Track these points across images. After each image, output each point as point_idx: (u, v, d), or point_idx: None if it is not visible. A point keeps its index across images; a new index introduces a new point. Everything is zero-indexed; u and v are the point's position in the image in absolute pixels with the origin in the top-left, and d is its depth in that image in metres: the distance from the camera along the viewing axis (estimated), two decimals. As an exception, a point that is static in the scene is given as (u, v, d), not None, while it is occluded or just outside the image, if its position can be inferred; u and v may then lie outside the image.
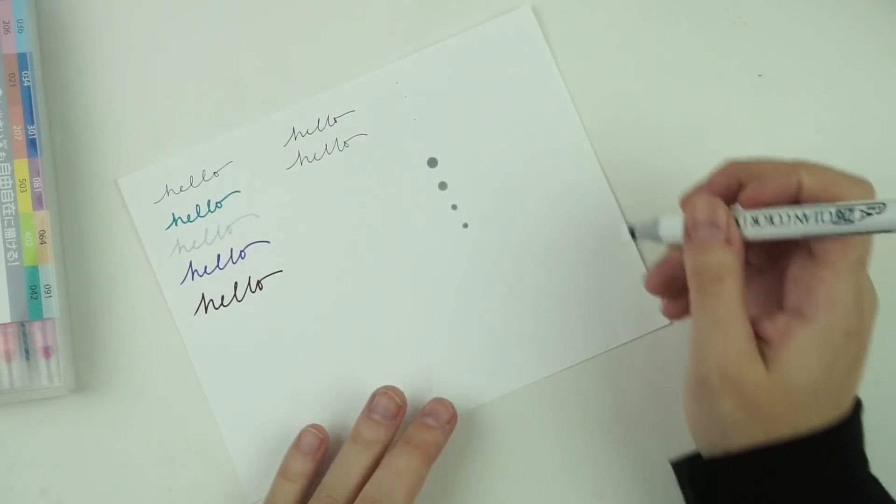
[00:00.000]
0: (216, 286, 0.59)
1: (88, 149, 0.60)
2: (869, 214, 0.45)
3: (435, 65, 0.60)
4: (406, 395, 0.57)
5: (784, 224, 0.47)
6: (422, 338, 0.58)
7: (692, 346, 0.48)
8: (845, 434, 0.47)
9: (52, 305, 0.56)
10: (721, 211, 0.48)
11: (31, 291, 0.56)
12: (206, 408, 0.58)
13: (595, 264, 0.58)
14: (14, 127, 0.57)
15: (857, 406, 0.49)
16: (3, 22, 0.58)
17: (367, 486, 0.53)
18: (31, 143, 0.57)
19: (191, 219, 0.59)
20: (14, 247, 0.56)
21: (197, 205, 0.59)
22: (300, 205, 0.59)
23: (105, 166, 0.60)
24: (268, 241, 0.59)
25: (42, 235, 0.56)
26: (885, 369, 0.57)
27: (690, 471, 0.50)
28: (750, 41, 0.60)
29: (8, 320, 0.56)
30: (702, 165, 0.58)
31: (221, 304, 0.59)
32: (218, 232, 0.59)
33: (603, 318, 0.58)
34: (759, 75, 0.60)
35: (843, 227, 0.46)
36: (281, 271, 0.59)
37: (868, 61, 0.60)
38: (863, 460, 0.48)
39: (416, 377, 0.58)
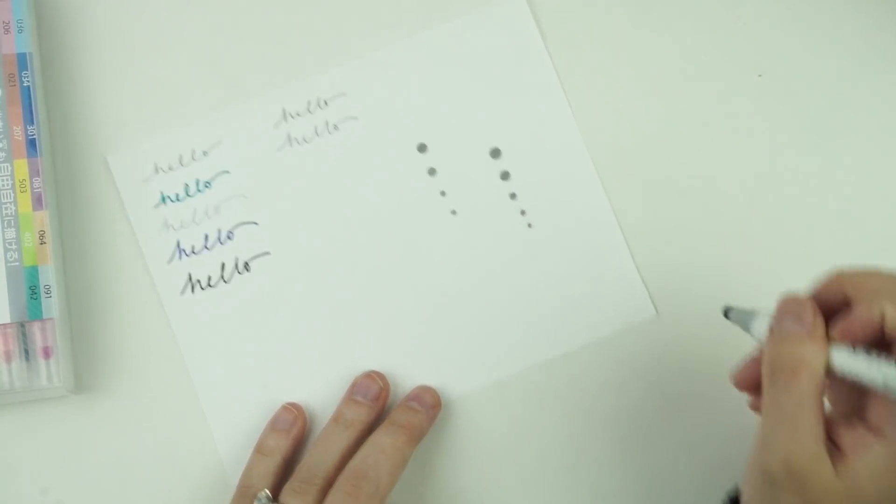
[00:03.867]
0: (203, 266, 0.59)
1: (88, 146, 0.60)
2: None
3: (427, 50, 0.60)
4: (391, 380, 0.57)
5: (860, 372, 0.45)
6: (408, 323, 0.58)
7: (758, 434, 0.46)
8: None
9: (52, 306, 0.56)
10: (808, 309, 0.46)
11: (31, 292, 0.56)
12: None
13: (583, 253, 0.58)
14: (14, 127, 0.57)
15: None
16: (3, 22, 0.58)
17: (352, 461, 0.54)
18: (31, 144, 0.57)
19: (179, 198, 0.59)
20: (14, 247, 0.56)
21: (186, 184, 0.59)
22: (289, 187, 0.59)
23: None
24: (256, 223, 0.59)
25: (42, 236, 0.56)
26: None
27: None
28: (750, 41, 0.60)
29: (7, 321, 0.56)
30: (698, 165, 0.58)
31: (208, 284, 0.59)
32: (206, 212, 0.59)
33: (589, 307, 0.58)
34: (759, 75, 0.60)
35: None
36: (268, 253, 0.59)
37: (868, 62, 0.60)
38: None
39: (402, 363, 0.58)
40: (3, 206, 0.57)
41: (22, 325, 0.56)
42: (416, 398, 0.56)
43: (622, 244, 0.58)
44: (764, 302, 0.54)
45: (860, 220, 0.58)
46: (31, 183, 0.57)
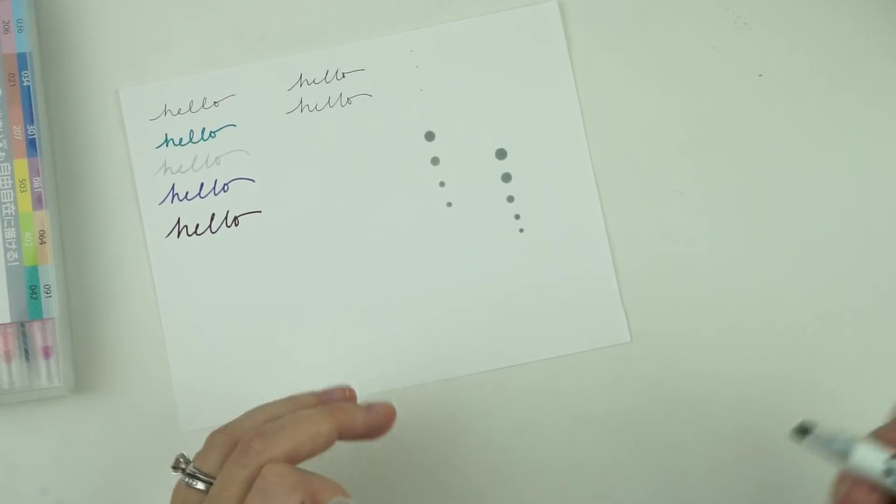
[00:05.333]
0: (193, 213, 0.59)
1: (90, 142, 0.60)
2: None
3: (452, 41, 0.60)
4: (354, 353, 0.58)
5: None
6: (383, 305, 0.58)
7: None
8: None
9: (52, 305, 0.56)
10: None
11: (31, 291, 0.56)
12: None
13: (568, 269, 0.58)
14: (14, 127, 0.57)
15: None
16: (3, 22, 0.58)
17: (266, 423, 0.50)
18: (31, 143, 0.57)
19: (182, 143, 0.60)
20: (14, 247, 0.56)
21: (191, 130, 0.60)
22: (291, 151, 0.60)
23: (107, 162, 0.60)
24: (252, 180, 0.59)
25: (42, 235, 0.56)
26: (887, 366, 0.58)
27: None
28: (750, 41, 0.60)
29: (8, 320, 0.56)
30: (698, 166, 0.58)
31: (195, 231, 0.59)
32: (206, 161, 0.60)
33: (565, 323, 0.58)
34: (760, 75, 0.60)
35: None
36: (259, 212, 0.59)
37: (868, 62, 0.60)
38: None
39: (370, 341, 0.58)
40: (3, 206, 0.57)
41: (22, 324, 0.56)
42: (366, 404, 0.52)
43: (609, 267, 0.58)
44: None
45: (861, 221, 0.58)
46: (31, 183, 0.57)
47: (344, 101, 0.60)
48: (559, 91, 0.60)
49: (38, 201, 0.57)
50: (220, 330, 0.58)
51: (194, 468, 0.50)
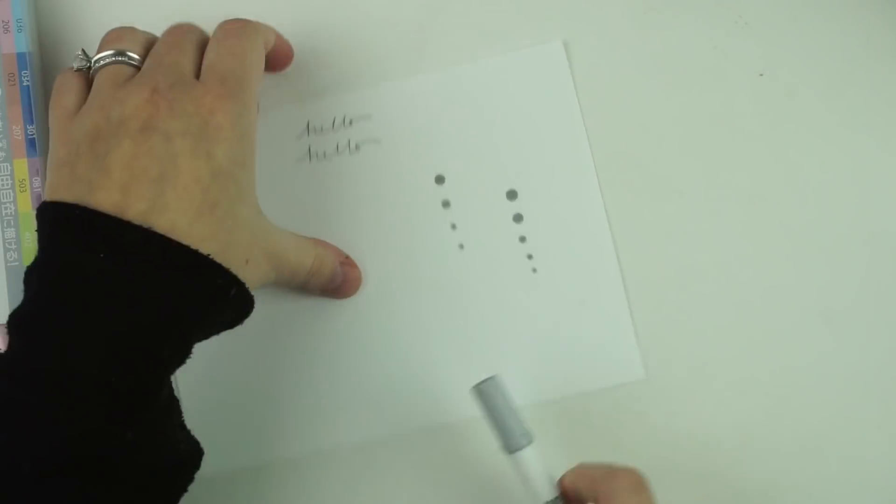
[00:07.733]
0: None
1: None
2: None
3: (459, 85, 0.60)
4: (381, 389, 0.58)
5: None
6: (401, 345, 0.58)
7: None
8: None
9: (52, 306, 0.56)
10: None
11: (31, 292, 0.56)
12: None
13: (583, 307, 0.58)
14: (14, 127, 0.57)
15: None
16: (3, 22, 0.58)
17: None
18: (31, 143, 0.57)
19: None
20: (14, 247, 0.56)
21: None
22: (302, 199, 0.59)
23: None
24: None
25: (42, 235, 0.56)
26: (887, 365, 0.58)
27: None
28: (750, 41, 0.60)
29: (8, 321, 0.56)
30: (698, 169, 0.58)
31: None
32: None
33: (580, 360, 0.58)
34: (760, 75, 0.60)
35: None
36: None
37: (868, 62, 0.60)
38: None
39: (388, 383, 0.58)
40: (3, 205, 0.57)
41: (22, 325, 0.56)
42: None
43: (623, 304, 0.58)
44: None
45: (861, 220, 0.58)
46: (31, 183, 0.57)
47: (352, 148, 0.60)
48: (568, 129, 0.59)
49: (37, 201, 0.57)
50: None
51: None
